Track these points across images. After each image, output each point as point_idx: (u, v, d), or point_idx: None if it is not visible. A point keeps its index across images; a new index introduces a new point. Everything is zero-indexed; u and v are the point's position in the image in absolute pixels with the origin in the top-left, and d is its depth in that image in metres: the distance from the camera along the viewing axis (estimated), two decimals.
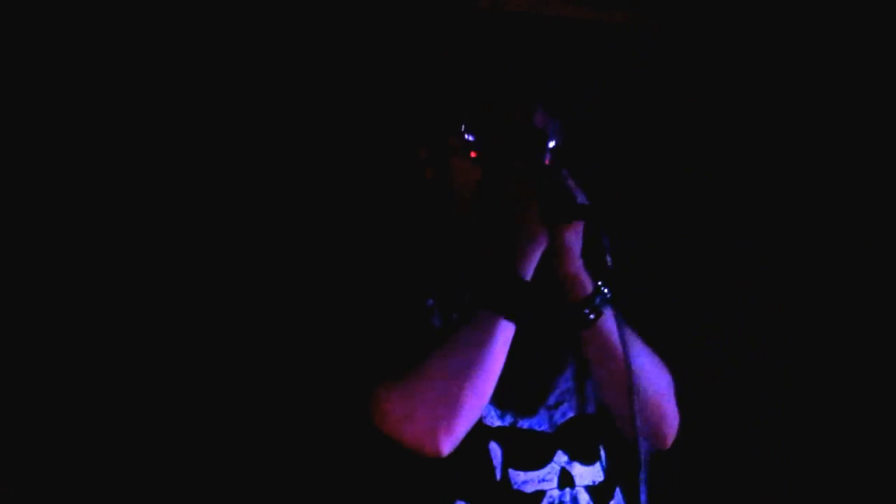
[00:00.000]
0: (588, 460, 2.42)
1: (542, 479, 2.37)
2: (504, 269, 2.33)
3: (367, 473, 2.39)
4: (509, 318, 2.31)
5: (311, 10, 3.41)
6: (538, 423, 2.40)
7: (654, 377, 2.45)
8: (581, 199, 2.34)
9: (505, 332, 2.31)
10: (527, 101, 2.46)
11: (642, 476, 2.35)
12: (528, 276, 2.33)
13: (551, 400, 2.43)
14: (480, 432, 2.34)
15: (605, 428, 2.47)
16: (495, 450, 2.36)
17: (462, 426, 2.27)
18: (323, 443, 2.52)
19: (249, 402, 3.34)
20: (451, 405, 2.25)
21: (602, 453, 2.46)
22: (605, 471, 2.44)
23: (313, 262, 2.46)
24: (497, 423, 2.36)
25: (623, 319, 2.40)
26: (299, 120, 3.41)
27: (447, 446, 2.26)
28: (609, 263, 2.36)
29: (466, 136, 2.42)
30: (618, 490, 2.46)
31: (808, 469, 3.68)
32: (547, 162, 2.42)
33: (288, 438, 3.31)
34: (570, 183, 2.36)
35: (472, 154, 2.42)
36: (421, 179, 2.49)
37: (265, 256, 3.35)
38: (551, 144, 2.43)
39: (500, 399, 2.36)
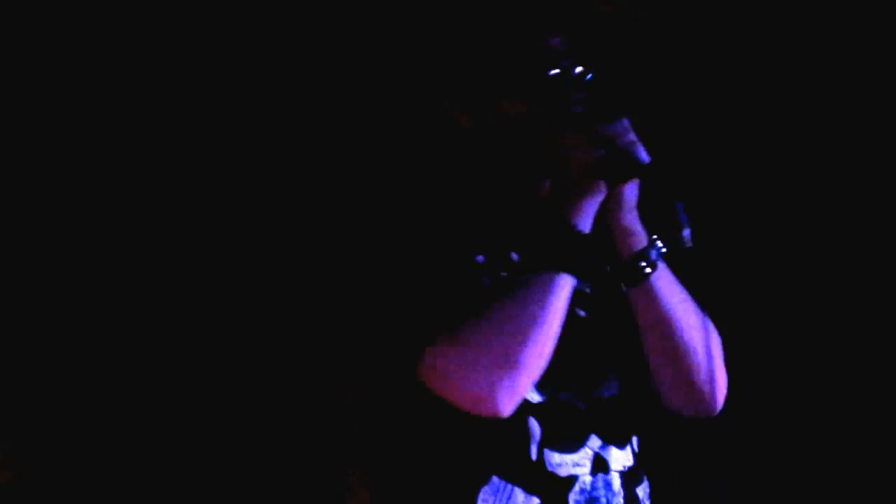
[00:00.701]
0: (621, 443, 2.37)
1: (576, 463, 2.32)
2: (560, 222, 2.25)
3: (404, 441, 2.33)
4: (569, 271, 2.23)
5: None
6: (575, 397, 2.34)
7: (705, 338, 2.36)
8: (643, 153, 2.25)
9: (565, 287, 2.23)
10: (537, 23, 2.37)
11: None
12: (587, 228, 2.26)
13: (590, 375, 2.37)
14: (521, 407, 2.26)
15: (639, 408, 2.42)
16: (534, 427, 2.30)
17: (524, 385, 2.20)
18: (364, 403, 2.46)
19: (294, 360, 3.38)
20: (513, 363, 2.17)
21: (633, 437, 2.41)
22: (636, 455, 2.40)
23: (357, 220, 2.39)
24: (537, 398, 2.30)
25: (673, 276, 2.35)
26: (330, 84, 3.42)
27: (508, 406, 2.19)
28: (686, 237, 2.24)
29: (568, 72, 2.30)
30: (645, 478, 2.43)
31: (808, 467, 3.71)
32: (586, 101, 2.31)
33: (329, 398, 3.32)
34: (632, 134, 2.26)
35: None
36: (457, 130, 2.39)
37: (310, 215, 3.38)
38: (577, 72, 2.32)
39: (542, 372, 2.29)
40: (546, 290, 2.22)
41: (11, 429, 3.35)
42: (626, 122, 2.27)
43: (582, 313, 2.38)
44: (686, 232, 2.24)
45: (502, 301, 2.21)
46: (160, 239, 3.42)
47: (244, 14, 3.39)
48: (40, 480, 3.37)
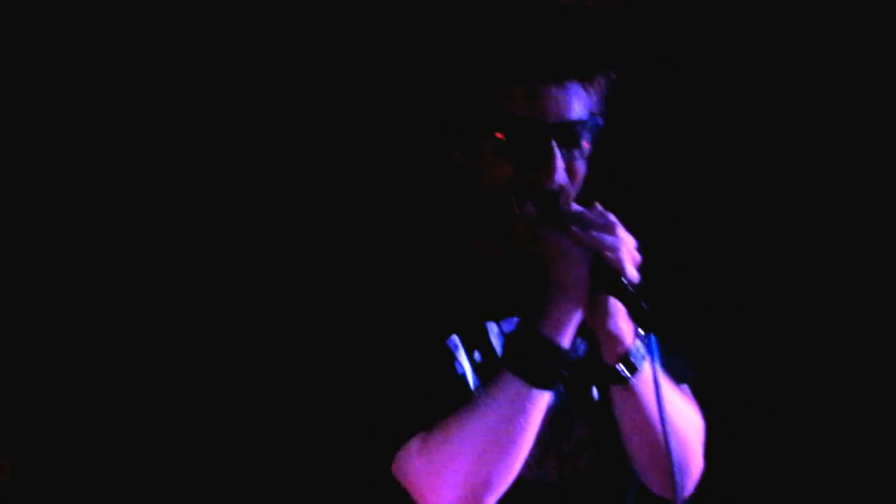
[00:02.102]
0: None
1: None
2: (542, 337, 2.23)
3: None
4: (545, 388, 2.22)
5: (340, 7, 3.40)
6: (544, 474, 2.32)
7: (685, 428, 2.37)
8: (632, 273, 2.22)
9: (539, 405, 2.22)
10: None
11: None
12: (567, 344, 2.24)
13: (565, 448, 2.35)
14: None
15: (620, 480, 2.40)
16: None
17: (489, 500, 2.20)
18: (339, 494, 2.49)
19: (267, 451, 3.38)
20: (479, 479, 2.19)
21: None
22: None
23: (326, 297, 2.40)
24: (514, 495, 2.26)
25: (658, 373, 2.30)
26: (321, 123, 3.41)
27: None
28: (656, 371, 2.23)
29: (499, 123, 2.28)
30: None
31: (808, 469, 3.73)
32: (587, 145, 2.30)
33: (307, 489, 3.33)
34: (624, 249, 2.22)
35: (500, 136, 2.27)
36: (452, 166, 2.37)
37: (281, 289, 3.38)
38: (586, 146, 2.31)
39: None
40: (518, 407, 2.20)
41: (11, 429, 3.38)
42: (620, 231, 2.25)
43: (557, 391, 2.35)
44: (654, 365, 2.25)
45: (475, 414, 2.20)
46: (145, 244, 3.44)
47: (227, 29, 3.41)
48: (40, 481, 3.39)
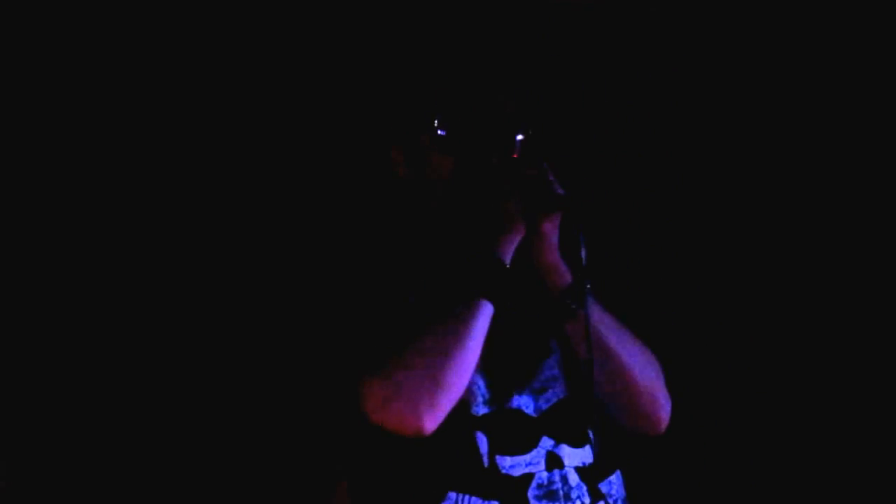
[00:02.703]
0: (577, 443, 2.44)
1: (529, 462, 2.38)
2: (482, 252, 2.36)
3: (359, 470, 2.42)
4: (488, 297, 2.34)
5: (280, 9, 3.43)
6: (524, 405, 2.42)
7: (642, 364, 2.48)
8: (558, 190, 2.38)
9: (484, 313, 2.34)
10: (496, 88, 2.49)
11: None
12: (507, 260, 2.37)
13: (536, 384, 2.45)
14: (466, 422, 2.36)
15: (592, 414, 2.48)
16: (482, 439, 2.37)
17: (445, 402, 2.29)
18: (314, 441, 2.52)
19: (240, 400, 3.37)
20: (433, 381, 2.27)
21: (592, 437, 2.47)
22: (595, 454, 2.46)
23: (293, 266, 2.47)
24: (482, 410, 2.38)
25: (604, 308, 2.44)
26: (270, 121, 3.44)
27: (430, 423, 2.28)
28: (584, 257, 2.37)
29: (439, 132, 2.45)
30: (616, 474, 2.48)
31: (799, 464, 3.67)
32: (517, 153, 2.44)
33: (279, 437, 3.33)
34: (548, 174, 2.39)
35: (441, 133, 2.44)
36: (395, 178, 2.50)
37: (246, 258, 3.39)
38: (519, 138, 2.44)
39: (485, 386, 2.39)
40: (464, 315, 2.32)
41: (5, 434, 3.36)
42: (542, 162, 2.42)
43: (526, 328, 2.48)
44: (583, 252, 2.38)
45: (423, 330, 2.32)
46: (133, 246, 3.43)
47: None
48: (34, 486, 3.38)
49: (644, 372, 2.48)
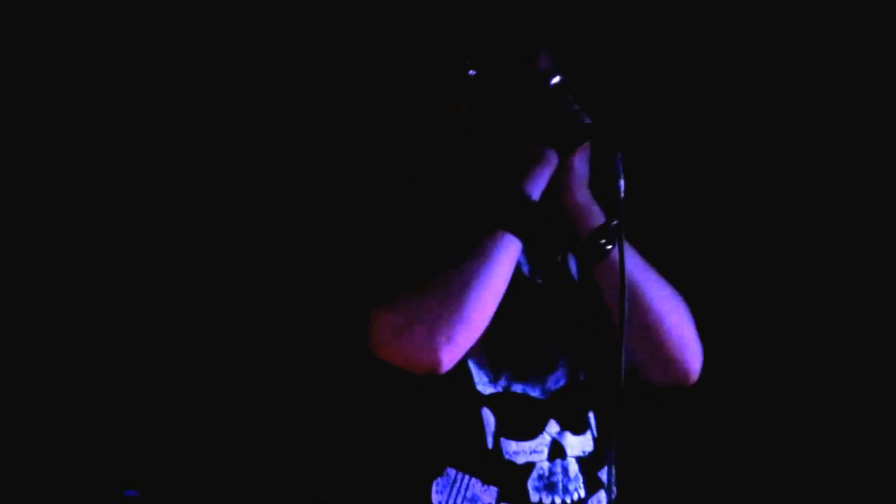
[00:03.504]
0: (579, 430, 2.35)
1: (533, 450, 2.30)
2: (510, 186, 2.24)
3: (356, 434, 2.30)
4: (515, 233, 2.22)
5: None
6: (531, 387, 2.32)
7: (673, 309, 2.36)
8: (585, 119, 2.26)
9: (511, 247, 2.23)
10: (530, 42, 2.37)
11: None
12: (536, 196, 2.25)
13: (544, 365, 2.35)
14: (472, 398, 2.26)
15: (596, 396, 2.40)
16: (488, 417, 2.27)
17: (464, 338, 2.18)
18: (314, 388, 2.42)
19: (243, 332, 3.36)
20: (452, 312, 2.16)
21: (592, 422, 2.39)
22: (595, 440, 2.38)
23: (318, 206, 2.40)
24: (489, 389, 2.28)
25: (636, 249, 2.32)
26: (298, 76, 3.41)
27: (447, 359, 2.17)
28: (622, 189, 2.24)
29: (469, 72, 2.31)
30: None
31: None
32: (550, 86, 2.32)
33: (280, 377, 3.25)
34: (576, 106, 2.27)
35: (471, 73, 2.32)
36: (426, 132, 2.38)
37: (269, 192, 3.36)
38: (555, 80, 2.31)
39: (493, 363, 2.29)
40: (490, 248, 2.21)
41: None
42: (568, 95, 2.29)
43: (535, 303, 2.37)
44: (621, 182, 2.23)
45: (444, 260, 2.21)
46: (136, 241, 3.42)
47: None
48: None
49: (674, 317, 2.35)
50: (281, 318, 2.70)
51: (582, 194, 2.31)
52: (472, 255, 2.20)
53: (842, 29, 3.55)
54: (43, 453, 3.35)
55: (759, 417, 3.61)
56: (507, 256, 2.22)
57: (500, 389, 2.28)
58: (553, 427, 2.31)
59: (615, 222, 2.29)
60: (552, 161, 2.26)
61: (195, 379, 3.42)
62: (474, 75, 2.32)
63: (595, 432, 2.38)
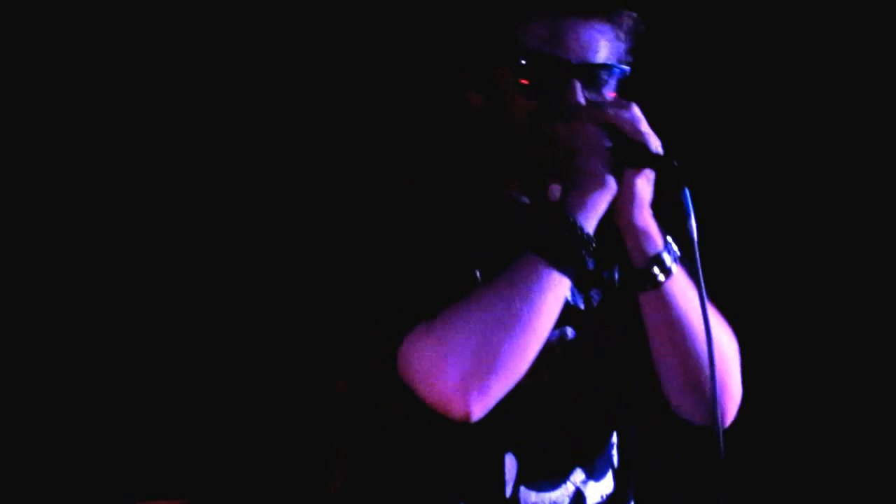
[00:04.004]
0: (599, 474, 2.24)
1: (554, 501, 2.18)
2: (564, 215, 2.07)
3: (377, 459, 2.19)
4: (565, 271, 2.05)
5: None
6: (558, 422, 2.19)
7: (723, 351, 2.19)
8: (656, 143, 2.09)
9: (558, 286, 2.05)
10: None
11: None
12: (592, 228, 2.07)
13: (579, 394, 2.21)
14: (498, 440, 2.13)
15: (624, 431, 2.29)
16: (511, 463, 2.15)
17: (498, 387, 2.02)
18: (330, 418, 2.32)
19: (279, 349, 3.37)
20: (488, 359, 2.00)
21: (614, 460, 2.27)
22: (616, 479, 2.27)
23: (354, 215, 2.25)
24: (516, 428, 2.14)
25: (700, 280, 2.11)
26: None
27: (478, 408, 2.02)
28: (693, 229, 2.05)
29: (520, 60, 2.14)
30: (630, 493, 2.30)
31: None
32: (613, 95, 2.17)
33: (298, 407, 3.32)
34: (642, 122, 2.10)
35: (524, 81, 2.15)
36: (466, 108, 2.23)
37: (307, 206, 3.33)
38: (617, 75, 2.17)
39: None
40: (535, 285, 2.04)
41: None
42: (636, 109, 2.11)
43: (570, 332, 2.22)
44: (691, 223, 2.06)
45: (485, 292, 2.05)
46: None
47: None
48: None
49: (725, 357, 2.20)
50: (311, 333, 2.60)
51: (642, 218, 2.13)
52: (516, 291, 2.03)
53: (840, 29, 3.54)
54: (71, 453, 3.38)
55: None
56: (555, 298, 2.06)
57: (525, 422, 2.15)
58: (578, 475, 2.20)
59: (674, 252, 2.16)
60: (612, 188, 2.09)
61: (224, 396, 3.43)
62: (524, 64, 2.14)
63: (616, 463, 2.27)
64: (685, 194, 2.05)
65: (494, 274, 2.08)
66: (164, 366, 3.42)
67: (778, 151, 3.60)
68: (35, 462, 3.34)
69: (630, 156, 2.08)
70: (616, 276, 2.28)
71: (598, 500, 2.22)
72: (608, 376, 2.25)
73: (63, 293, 3.36)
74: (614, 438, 2.28)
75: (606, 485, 2.25)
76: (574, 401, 2.20)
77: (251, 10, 3.38)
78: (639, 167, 2.09)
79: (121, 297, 3.40)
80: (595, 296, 2.22)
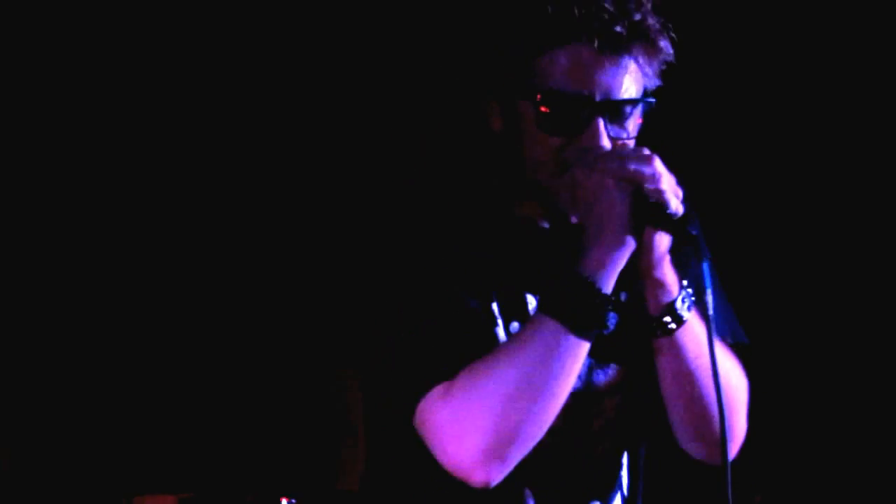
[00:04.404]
0: (611, 499, 2.27)
1: None
2: (583, 278, 2.07)
3: (393, 487, 2.22)
4: (584, 335, 2.06)
5: None
6: (574, 453, 2.22)
7: (730, 387, 2.22)
8: (675, 204, 2.09)
9: (578, 353, 2.07)
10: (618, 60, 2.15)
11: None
12: (610, 287, 2.08)
13: (595, 426, 2.24)
14: (516, 472, 2.12)
15: (633, 452, 2.32)
16: (529, 500, 2.18)
17: (516, 454, 2.05)
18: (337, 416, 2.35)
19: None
20: (508, 431, 2.02)
21: (623, 482, 2.30)
22: (624, 500, 2.30)
23: (365, 248, 2.28)
24: (534, 464, 2.14)
25: (711, 329, 2.13)
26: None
27: (496, 476, 2.05)
28: (710, 305, 2.07)
29: (539, 97, 2.12)
30: None
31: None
32: (636, 130, 2.17)
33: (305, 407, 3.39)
34: (665, 180, 2.09)
35: (544, 109, 2.12)
36: (488, 133, 2.22)
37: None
38: (636, 124, 2.17)
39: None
40: (555, 352, 2.04)
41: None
42: (657, 164, 2.11)
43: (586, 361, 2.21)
44: (709, 297, 2.08)
45: (505, 359, 2.05)
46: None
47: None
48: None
49: (733, 399, 2.24)
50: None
51: (659, 272, 2.15)
52: (536, 360, 2.03)
53: (840, 29, 3.63)
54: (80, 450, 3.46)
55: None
56: (574, 362, 2.07)
57: (546, 456, 2.16)
58: None
59: (689, 300, 2.17)
60: (630, 245, 2.10)
61: (234, 396, 3.50)
62: (547, 110, 2.13)
63: (625, 486, 2.30)
64: (704, 267, 2.08)
65: (512, 305, 2.13)
66: (169, 366, 3.51)
67: (778, 151, 3.68)
68: (36, 457, 3.41)
69: (649, 215, 2.09)
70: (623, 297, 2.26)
71: None
72: (622, 403, 2.28)
73: (70, 286, 3.43)
74: (624, 460, 2.31)
75: None
76: (589, 432, 2.24)
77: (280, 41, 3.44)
78: (657, 228, 2.10)
79: (118, 292, 3.47)
80: (612, 318, 2.17)
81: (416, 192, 2.26)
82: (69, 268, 3.45)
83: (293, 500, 3.45)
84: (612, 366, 2.25)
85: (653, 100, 2.16)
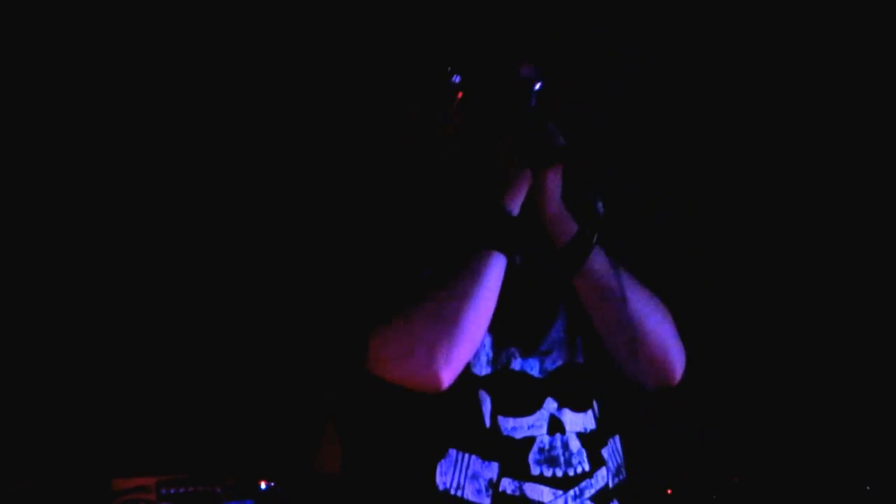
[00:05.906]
0: (579, 408, 2.43)
1: (532, 425, 2.38)
2: (491, 203, 2.35)
3: (359, 428, 2.42)
4: (500, 249, 2.33)
5: None
6: (529, 366, 2.42)
7: (652, 312, 2.46)
8: (559, 141, 2.36)
9: (497, 264, 2.33)
10: (514, 51, 2.47)
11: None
12: (515, 211, 2.36)
13: (542, 347, 2.44)
14: (469, 381, 2.36)
15: (596, 378, 2.48)
16: (484, 398, 2.37)
17: (461, 355, 2.29)
18: (315, 397, 2.47)
19: (244, 351, 3.52)
20: (449, 334, 2.27)
21: (594, 403, 2.46)
22: (598, 420, 2.45)
23: (309, 228, 2.55)
24: (486, 370, 2.38)
25: (613, 259, 2.42)
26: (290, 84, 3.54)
27: (447, 376, 2.28)
28: (599, 208, 2.35)
29: (453, 78, 2.42)
30: (615, 439, 2.47)
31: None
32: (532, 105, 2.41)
33: (282, 390, 3.47)
34: (550, 126, 2.36)
35: (458, 95, 2.42)
36: (406, 132, 2.49)
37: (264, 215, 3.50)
38: (536, 87, 2.41)
39: (490, 346, 2.39)
40: (477, 267, 2.31)
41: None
42: (544, 114, 2.40)
43: (533, 289, 2.46)
44: (599, 204, 2.35)
45: (435, 283, 2.32)
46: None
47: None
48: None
49: (653, 320, 2.45)
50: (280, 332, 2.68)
51: (553, 207, 2.41)
52: (461, 276, 2.31)
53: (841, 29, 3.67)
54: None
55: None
56: (494, 275, 2.32)
57: (498, 369, 2.38)
58: (551, 404, 2.40)
59: (588, 235, 2.40)
60: (528, 178, 2.36)
61: (204, 383, 3.56)
62: (458, 81, 2.41)
63: (597, 412, 2.44)
64: (587, 182, 2.37)
65: (445, 264, 2.36)
66: (149, 349, 3.57)
67: (777, 151, 3.74)
68: (16, 441, 3.48)
69: (538, 153, 2.37)
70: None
71: (581, 429, 2.41)
72: (567, 322, 2.49)
73: (49, 273, 3.50)
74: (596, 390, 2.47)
75: (588, 420, 2.43)
76: (536, 336, 2.46)
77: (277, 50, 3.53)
78: (545, 163, 2.38)
79: (99, 279, 3.53)
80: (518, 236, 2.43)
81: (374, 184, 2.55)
82: (49, 255, 3.52)
83: (272, 483, 3.54)
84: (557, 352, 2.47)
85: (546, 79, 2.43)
